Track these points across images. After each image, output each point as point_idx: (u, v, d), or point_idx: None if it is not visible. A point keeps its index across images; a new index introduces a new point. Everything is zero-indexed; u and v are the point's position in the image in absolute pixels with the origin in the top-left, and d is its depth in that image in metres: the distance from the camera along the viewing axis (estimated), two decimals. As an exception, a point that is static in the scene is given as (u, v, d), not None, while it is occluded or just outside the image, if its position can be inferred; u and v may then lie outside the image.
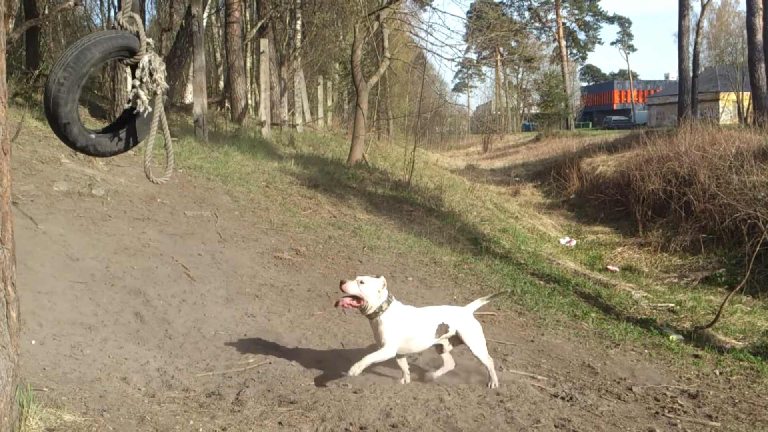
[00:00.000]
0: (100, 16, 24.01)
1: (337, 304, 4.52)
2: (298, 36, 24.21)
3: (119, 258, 6.16)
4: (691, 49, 27.82)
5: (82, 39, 3.39)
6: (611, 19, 72.05)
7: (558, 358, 6.09)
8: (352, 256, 8.46)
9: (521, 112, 72.11)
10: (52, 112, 3.30)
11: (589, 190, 18.59)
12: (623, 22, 73.26)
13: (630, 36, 74.97)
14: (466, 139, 59.03)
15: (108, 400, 3.84)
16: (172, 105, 16.59)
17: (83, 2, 20.24)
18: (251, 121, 18.59)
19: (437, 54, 28.76)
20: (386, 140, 28.24)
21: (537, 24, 66.81)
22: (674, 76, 51.14)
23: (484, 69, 73.01)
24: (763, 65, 20.46)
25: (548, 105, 54.38)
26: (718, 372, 6.25)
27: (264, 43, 17.83)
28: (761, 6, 20.15)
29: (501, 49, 58.09)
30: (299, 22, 24.11)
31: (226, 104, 19.92)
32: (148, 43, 3.62)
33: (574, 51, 73.11)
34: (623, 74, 78.54)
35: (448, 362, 4.95)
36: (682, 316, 8.59)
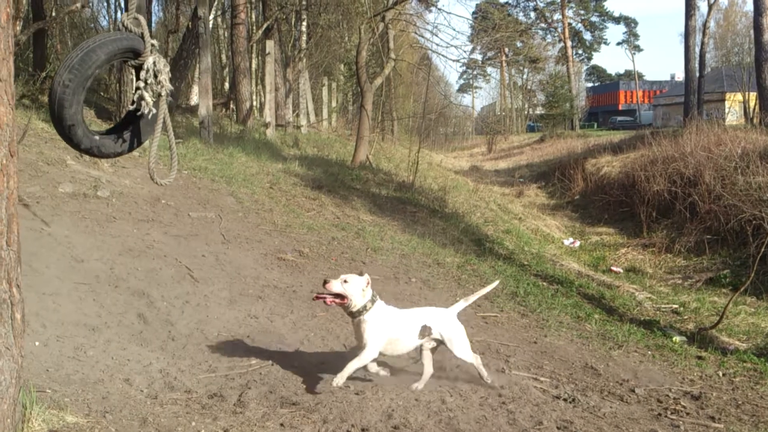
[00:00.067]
0: (106, 17, 24.17)
1: (316, 298, 4.49)
2: (304, 37, 24.27)
3: (124, 259, 6.19)
4: (697, 50, 27.74)
5: (87, 41, 3.42)
6: (617, 20, 71.93)
7: (561, 359, 6.09)
8: (355, 258, 8.48)
9: (526, 112, 72.02)
10: (56, 114, 3.33)
11: (593, 191, 18.56)
12: (629, 23, 73.10)
13: (636, 36, 74.82)
14: (471, 140, 59.00)
15: (111, 401, 3.86)
16: (177, 106, 16.64)
17: (90, 4, 20.34)
18: (256, 123, 18.63)
19: (442, 55, 28.80)
20: (390, 141, 28.28)
21: (542, 24, 66.81)
22: (680, 76, 51.08)
23: (489, 70, 73.02)
24: (770, 65, 20.36)
25: (553, 106, 54.26)
26: (721, 373, 6.25)
27: (269, 45, 17.88)
28: (768, 6, 20.06)
29: (506, 49, 57.98)
30: (304, 23, 24.17)
31: (231, 106, 19.97)
32: (152, 45, 3.65)
33: (580, 51, 73.07)
34: (629, 75, 78.37)
35: (427, 367, 4.80)
36: (685, 317, 8.58)
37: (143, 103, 3.61)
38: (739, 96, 37.04)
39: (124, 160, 8.98)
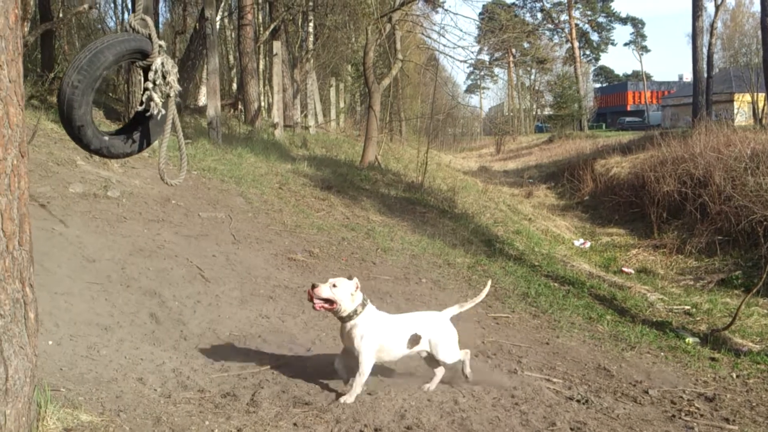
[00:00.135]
0: (113, 18, 24.22)
1: (311, 299, 4.35)
2: (311, 38, 24.28)
3: (135, 259, 6.19)
4: (705, 50, 27.65)
5: (95, 42, 3.42)
6: (624, 20, 71.78)
7: (573, 360, 6.06)
8: (365, 258, 8.46)
9: (534, 113, 71.92)
10: (66, 115, 3.32)
11: (603, 191, 18.50)
12: (636, 23, 72.94)
13: (643, 37, 74.61)
14: (479, 140, 58.94)
15: (124, 400, 3.86)
16: (185, 107, 16.68)
17: (97, 5, 20.42)
18: (264, 123, 18.65)
19: (449, 56, 28.87)
20: (399, 142, 28.26)
21: (549, 25, 66.70)
22: (688, 77, 50.95)
23: (497, 70, 72.87)
24: (777, 66, 20.28)
25: (561, 106, 54.13)
26: (735, 375, 6.20)
27: (277, 46, 17.89)
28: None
29: (513, 50, 57.89)
30: (312, 24, 24.18)
31: (239, 106, 20.01)
32: (160, 46, 3.64)
33: (587, 52, 72.91)
34: (637, 75, 78.16)
35: (438, 369, 4.76)
36: (698, 318, 8.53)
37: (152, 103, 3.61)
38: (747, 97, 36.90)
39: (133, 160, 9.00)
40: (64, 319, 4.75)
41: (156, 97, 3.62)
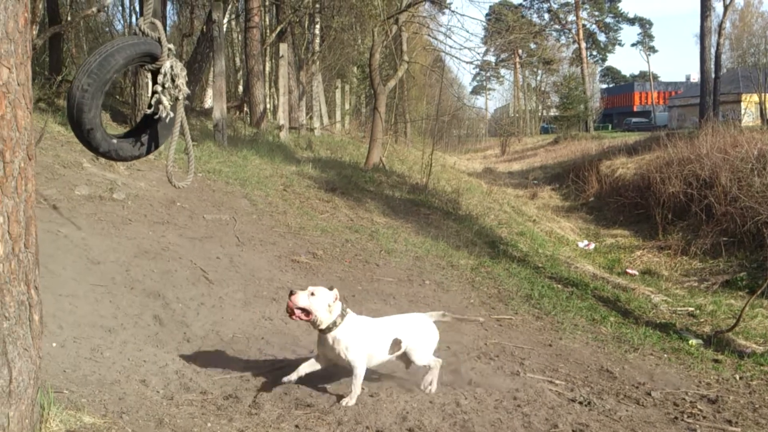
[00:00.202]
0: (121, 22, 24.32)
1: (291, 314, 4.23)
2: (317, 40, 24.32)
3: (139, 261, 6.23)
4: (713, 51, 27.52)
5: (105, 45, 3.44)
6: (632, 21, 71.68)
7: (576, 362, 6.06)
8: (369, 260, 8.48)
9: (540, 114, 71.78)
10: (75, 119, 3.35)
11: (608, 193, 18.47)
12: (644, 24, 72.85)
13: (651, 37, 74.51)
14: (484, 141, 58.94)
15: (127, 402, 3.89)
16: (191, 109, 16.74)
17: (105, 9, 20.50)
18: (269, 125, 18.70)
19: (455, 57, 28.86)
20: (404, 143, 28.29)
21: (556, 26, 66.56)
22: (695, 77, 50.69)
23: (503, 71, 72.79)
24: (786, 66, 20.20)
25: (567, 107, 53.98)
26: (738, 377, 6.19)
27: (283, 48, 17.93)
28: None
29: (520, 51, 57.77)
30: (318, 26, 24.22)
31: (245, 108, 20.06)
32: (169, 49, 3.67)
33: (594, 53, 72.76)
34: (644, 76, 77.97)
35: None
36: (702, 320, 8.51)
37: (161, 107, 3.63)
38: (755, 97, 36.71)
39: (139, 162, 9.04)
40: (68, 321, 4.78)
41: (165, 100, 3.64)
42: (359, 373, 4.31)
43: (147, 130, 3.76)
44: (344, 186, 12.73)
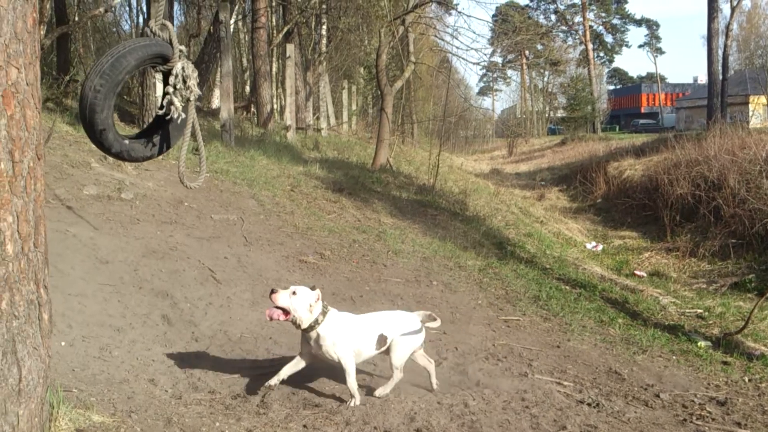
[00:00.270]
0: (128, 22, 24.41)
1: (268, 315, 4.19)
2: (324, 41, 24.37)
3: (147, 261, 6.24)
4: (720, 52, 27.41)
5: (117, 47, 3.46)
6: (639, 22, 71.46)
7: (584, 363, 6.04)
8: (376, 260, 8.47)
9: (547, 115, 71.67)
10: (88, 119, 3.36)
11: (616, 194, 18.41)
12: (651, 25, 72.60)
13: (658, 39, 74.28)
14: (491, 142, 58.85)
15: (136, 401, 3.89)
16: (199, 110, 16.77)
17: (113, 9, 20.57)
18: (276, 126, 18.73)
19: (462, 58, 28.93)
20: (411, 144, 28.30)
21: (563, 27, 66.48)
22: (703, 79, 50.51)
23: (510, 72, 72.82)
24: (794, 68, 20.10)
25: (574, 108, 53.93)
26: (747, 379, 6.15)
27: (290, 48, 17.96)
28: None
29: (527, 52, 57.79)
30: (325, 27, 24.27)
31: (252, 109, 20.10)
32: (180, 51, 3.68)
33: (601, 54, 72.57)
34: (651, 77, 77.72)
35: (428, 365, 4.74)
36: (710, 322, 8.46)
37: (172, 108, 3.65)
38: (763, 99, 36.55)
39: (147, 162, 9.04)
40: (77, 320, 4.80)
41: (176, 102, 3.66)
42: (349, 370, 4.29)
43: (158, 131, 3.77)
44: (351, 186, 12.73)
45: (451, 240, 10.59)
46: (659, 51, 77.54)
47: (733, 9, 28.74)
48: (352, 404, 4.21)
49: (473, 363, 5.42)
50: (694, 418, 4.82)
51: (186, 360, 4.73)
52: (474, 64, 38.59)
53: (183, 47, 3.69)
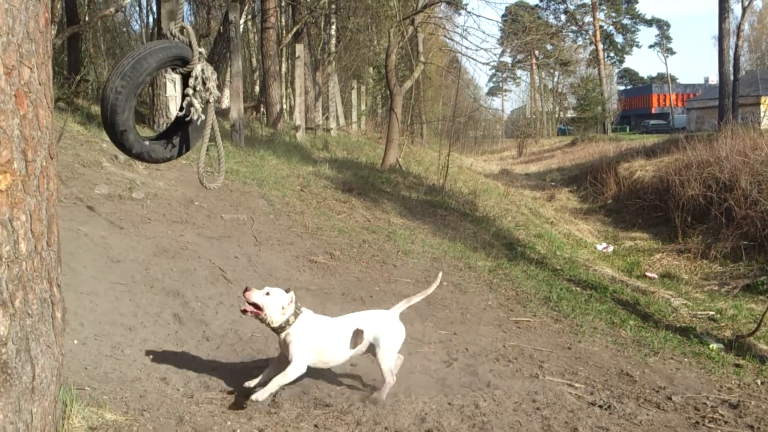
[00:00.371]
0: (139, 22, 24.52)
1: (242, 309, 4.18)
2: (333, 41, 24.41)
3: (158, 260, 6.26)
4: (731, 52, 27.28)
5: (138, 49, 3.50)
6: (649, 22, 71.19)
7: (595, 365, 6.01)
8: (386, 261, 8.47)
9: (557, 116, 71.51)
10: (109, 120, 3.40)
11: (626, 195, 18.34)
12: (661, 25, 72.34)
13: (668, 39, 73.99)
14: (501, 143, 58.79)
15: (148, 399, 3.90)
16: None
17: (123, 9, 20.66)
18: (286, 126, 18.76)
19: (472, 58, 28.89)
20: (420, 144, 28.29)
21: (573, 27, 66.32)
22: (714, 79, 50.25)
23: (519, 73, 72.66)
24: (807, 68, 19.96)
25: (584, 109, 53.81)
26: (759, 382, 6.11)
27: (299, 48, 17.99)
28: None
29: (536, 52, 57.67)
30: (334, 27, 24.30)
31: (262, 109, 20.15)
32: (200, 53, 3.71)
33: (612, 54, 72.36)
34: (662, 78, 77.40)
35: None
36: (722, 324, 8.41)
37: (192, 109, 3.68)
38: (774, 100, 36.35)
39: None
40: (89, 319, 4.81)
41: (196, 103, 3.70)
42: (291, 372, 4.10)
43: (178, 133, 3.80)
44: (361, 186, 12.73)
45: (460, 240, 10.57)
46: (670, 51, 77.22)
47: (744, 9, 28.59)
48: (254, 398, 3.96)
49: (484, 364, 5.40)
50: (706, 421, 4.78)
51: (197, 359, 4.74)
52: (483, 64, 38.57)
53: (202, 50, 3.72)
